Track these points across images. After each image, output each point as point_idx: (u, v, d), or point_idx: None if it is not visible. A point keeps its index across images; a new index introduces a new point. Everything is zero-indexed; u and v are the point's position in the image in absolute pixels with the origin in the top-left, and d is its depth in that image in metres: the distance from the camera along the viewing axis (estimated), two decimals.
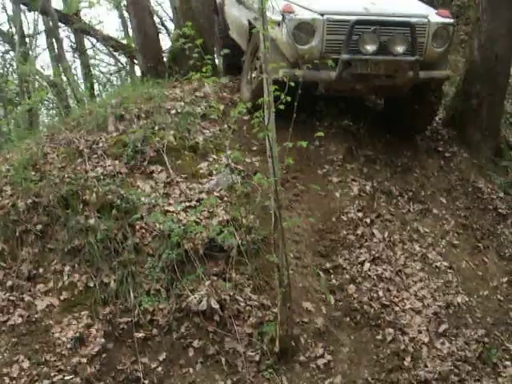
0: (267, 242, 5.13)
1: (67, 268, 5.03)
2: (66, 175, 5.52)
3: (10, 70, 15.36)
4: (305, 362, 4.77)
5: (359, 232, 5.76)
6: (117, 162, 5.76)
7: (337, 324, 5.10)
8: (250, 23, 6.71)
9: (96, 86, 15.75)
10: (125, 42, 15.19)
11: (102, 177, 5.55)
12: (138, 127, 6.09)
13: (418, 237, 5.97)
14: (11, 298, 4.85)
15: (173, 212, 5.29)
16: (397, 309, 5.29)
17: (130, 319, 4.74)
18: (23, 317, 4.76)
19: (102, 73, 16.97)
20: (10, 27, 15.64)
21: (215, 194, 5.55)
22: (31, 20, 15.78)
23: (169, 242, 5.03)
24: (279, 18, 5.75)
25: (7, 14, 15.73)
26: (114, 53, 16.28)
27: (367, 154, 6.51)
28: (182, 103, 6.58)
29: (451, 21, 6.20)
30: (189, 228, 5.05)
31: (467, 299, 5.58)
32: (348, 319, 5.17)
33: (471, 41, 7.31)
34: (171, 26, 16.42)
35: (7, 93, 14.22)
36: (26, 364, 4.47)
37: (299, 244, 5.52)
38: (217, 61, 8.56)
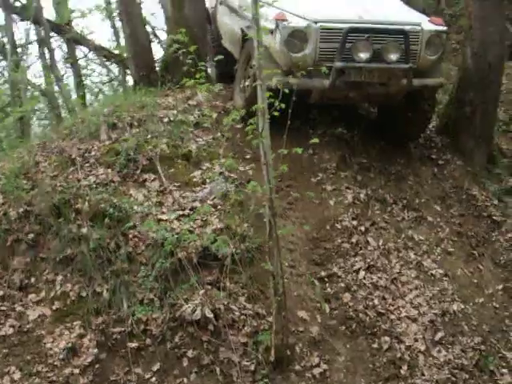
0: (261, 251, 5.11)
1: (59, 277, 5.00)
2: (58, 184, 5.49)
3: (2, 80, 15.33)
4: (300, 371, 4.73)
5: (354, 240, 5.74)
6: (109, 170, 5.73)
7: (332, 333, 5.06)
8: (242, 31, 6.70)
9: (88, 96, 15.71)
10: (117, 52, 15.17)
11: (94, 185, 5.53)
12: (131, 135, 6.06)
13: (413, 244, 5.95)
14: (2, 308, 4.82)
15: (166, 220, 5.26)
16: (392, 317, 5.26)
17: (123, 329, 4.70)
18: (15, 327, 4.72)
19: (93, 83, 16.93)
20: (2, 37, 15.59)
21: (209, 202, 5.51)
22: (23, 30, 15.75)
23: (162, 250, 4.99)
24: (272, 26, 5.74)
25: None
26: (106, 63, 16.26)
27: (361, 161, 6.49)
28: (175, 111, 6.56)
29: (444, 28, 6.21)
30: (182, 236, 5.01)
31: (463, 307, 5.56)
32: (343, 328, 5.13)
33: (464, 48, 7.32)
34: (163, 35, 16.44)
35: None
36: (17, 375, 4.43)
37: (293, 252, 5.49)
38: (209, 70, 8.53)
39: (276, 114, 4.30)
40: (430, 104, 6.64)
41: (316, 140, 4.84)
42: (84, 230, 5.12)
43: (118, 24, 15.28)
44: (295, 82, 5.03)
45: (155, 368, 4.58)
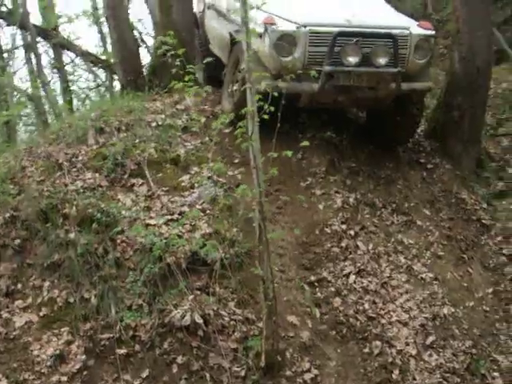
0: (251, 255, 5.09)
1: (47, 283, 4.94)
2: (45, 188, 5.43)
3: None
4: (291, 376, 4.69)
5: (343, 244, 5.71)
6: (97, 175, 5.69)
7: (323, 337, 5.03)
8: (231, 36, 6.68)
9: (75, 102, 15.61)
10: (104, 57, 15.11)
11: (81, 190, 5.48)
12: (119, 140, 6.02)
13: (403, 248, 5.94)
14: None
15: (154, 225, 5.22)
16: (383, 321, 5.24)
17: (111, 335, 4.65)
18: (1, 334, 4.66)
19: (80, 88, 16.84)
20: None
21: (197, 206, 5.48)
22: (9, 34, 15.68)
23: (150, 255, 4.94)
24: (261, 29, 5.72)
25: None
26: (93, 68, 16.19)
27: (350, 165, 6.48)
28: (163, 116, 6.53)
29: (433, 33, 6.22)
30: (171, 241, 4.98)
31: (453, 310, 5.54)
32: (334, 332, 5.10)
33: (452, 53, 7.34)
34: (151, 41, 16.41)
35: None
36: (3, 383, 4.34)
37: (283, 257, 5.46)
38: (197, 75, 8.50)
39: (266, 117, 4.27)
40: (419, 108, 6.65)
41: (306, 143, 4.82)
42: (71, 236, 5.07)
43: (105, 29, 15.23)
44: (284, 85, 5.01)
45: (144, 375, 4.52)
